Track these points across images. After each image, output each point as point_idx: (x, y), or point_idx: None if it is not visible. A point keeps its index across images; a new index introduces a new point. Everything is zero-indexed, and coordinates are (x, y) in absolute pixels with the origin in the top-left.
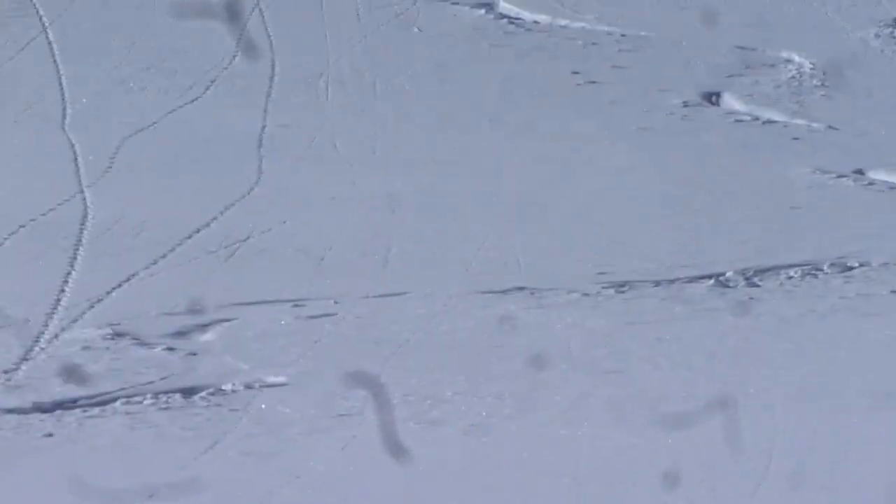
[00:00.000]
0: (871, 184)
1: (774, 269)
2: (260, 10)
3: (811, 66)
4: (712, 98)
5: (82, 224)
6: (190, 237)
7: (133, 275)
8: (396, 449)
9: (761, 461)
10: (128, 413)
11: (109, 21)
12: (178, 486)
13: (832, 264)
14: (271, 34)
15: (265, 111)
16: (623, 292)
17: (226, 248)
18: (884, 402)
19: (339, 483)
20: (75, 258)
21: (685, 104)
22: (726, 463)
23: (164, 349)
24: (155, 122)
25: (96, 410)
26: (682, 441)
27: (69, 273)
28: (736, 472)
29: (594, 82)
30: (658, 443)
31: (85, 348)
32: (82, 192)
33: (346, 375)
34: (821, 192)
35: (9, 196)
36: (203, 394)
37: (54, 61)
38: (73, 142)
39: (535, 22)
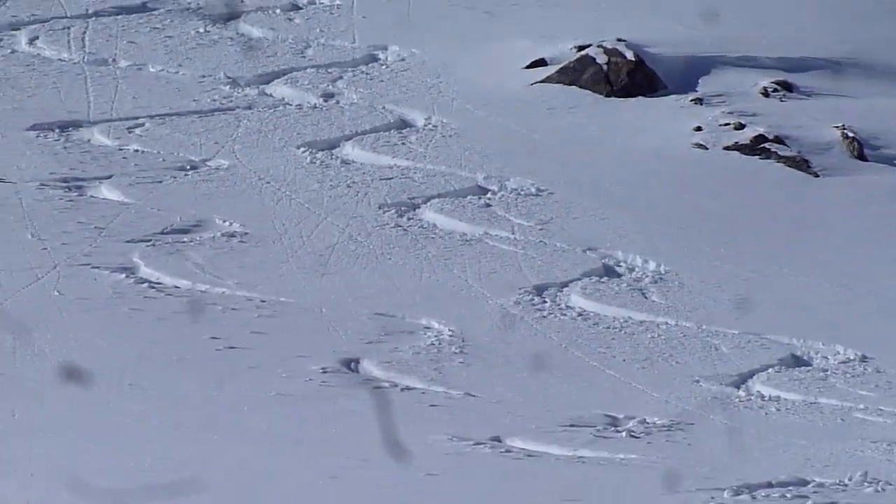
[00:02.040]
0: (507, 451)
1: None
2: None
3: (450, 332)
4: (351, 364)
5: None
6: None
7: None
8: None
9: None
10: None
11: None
12: None
13: None
14: None
15: None
16: None
17: None
18: None
19: None
20: None
21: (324, 370)
22: None
23: None
24: None
25: None
26: None
27: None
28: None
29: (233, 347)
30: None
31: None
32: None
33: None
34: (458, 461)
35: None
36: None
37: None
38: None
39: (177, 287)
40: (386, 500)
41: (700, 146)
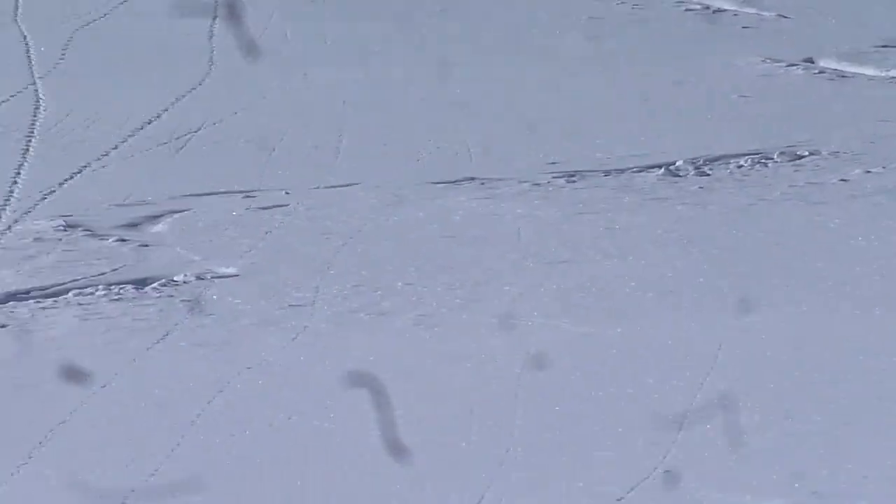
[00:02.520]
0: (820, 72)
1: (724, 158)
2: None
3: None
4: None
5: (34, 116)
6: (141, 128)
7: (85, 166)
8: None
9: (708, 348)
10: (80, 304)
11: None
12: (128, 378)
13: (782, 153)
14: None
15: (216, 2)
16: (573, 182)
17: (176, 139)
18: (834, 290)
19: (290, 373)
20: (27, 150)
21: None
22: (677, 349)
23: (115, 240)
24: (107, 14)
25: (49, 301)
26: (631, 330)
27: (21, 165)
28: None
29: None
30: (608, 332)
31: (37, 240)
32: (34, 83)
33: (297, 266)
34: (770, 81)
35: None
36: (155, 285)
37: None
38: (25, 33)
39: None
40: None
41: None
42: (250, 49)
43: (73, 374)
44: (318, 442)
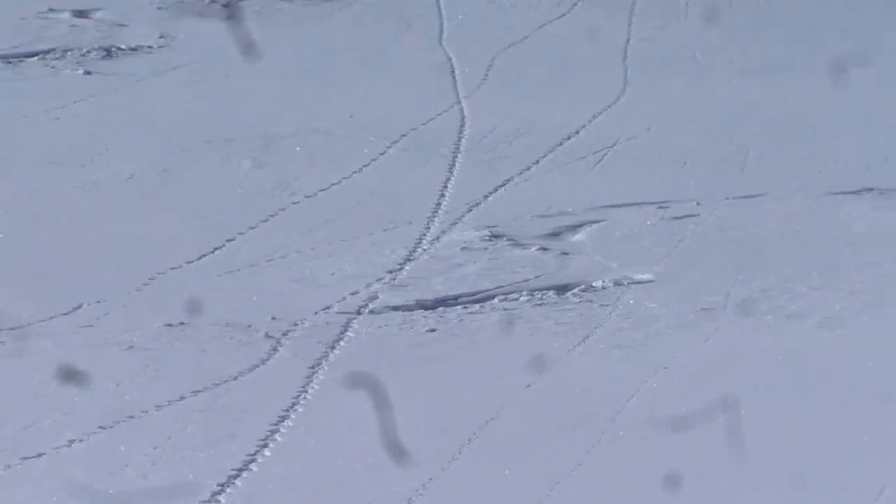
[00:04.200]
0: None
1: None
2: None
3: None
4: None
5: (460, 133)
6: (561, 144)
7: (508, 180)
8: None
9: None
10: (505, 309)
11: None
12: (551, 379)
13: None
14: None
15: (630, 24)
16: None
17: (594, 154)
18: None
19: (704, 374)
20: (454, 165)
21: None
22: None
23: (537, 249)
24: (526, 37)
25: (476, 307)
26: None
27: (448, 179)
28: None
29: None
30: None
31: (464, 249)
32: (460, 102)
33: (709, 272)
34: None
35: (392, 107)
36: (575, 290)
37: None
38: (450, 56)
39: None
40: None
41: None
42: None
43: (501, 374)
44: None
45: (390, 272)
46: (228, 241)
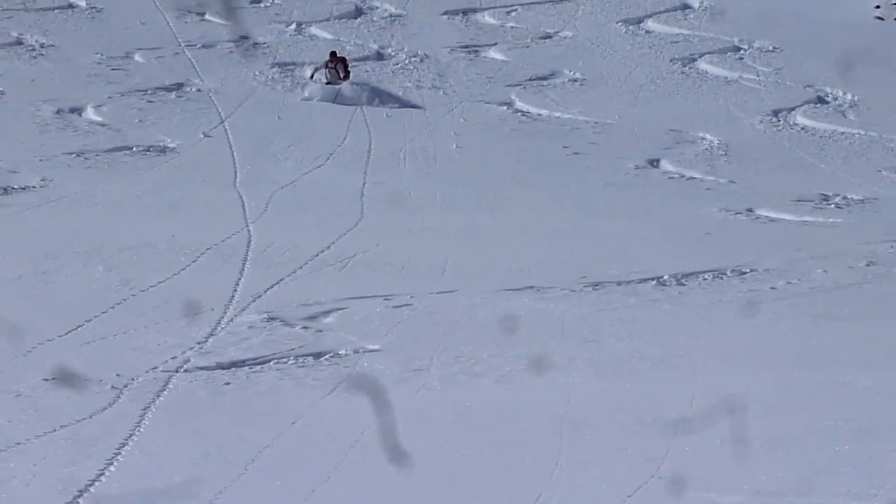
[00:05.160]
0: (757, 218)
1: (695, 273)
2: (362, 110)
3: (718, 141)
4: (654, 163)
5: (247, 247)
6: (317, 255)
7: (280, 280)
8: (452, 397)
9: (684, 402)
10: (279, 369)
11: (263, 113)
12: (312, 419)
13: (732, 270)
14: (370, 127)
15: (365, 173)
16: (597, 289)
17: (340, 262)
18: (764, 360)
19: (418, 415)
20: (243, 269)
21: (636, 167)
22: (659, 393)
23: (301, 328)
24: (294, 181)
25: (258, 367)
26: (639, 386)
27: (239, 279)
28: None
29: (577, 153)
30: (623, 389)
31: (250, 328)
32: (247, 226)
33: (419, 344)
34: (724, 224)
35: (199, 229)
36: (327, 356)
37: (228, 142)
38: (241, 195)
39: (539, 114)
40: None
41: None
42: None
43: (275, 413)
44: None
45: (199, 343)
46: (87, 321)
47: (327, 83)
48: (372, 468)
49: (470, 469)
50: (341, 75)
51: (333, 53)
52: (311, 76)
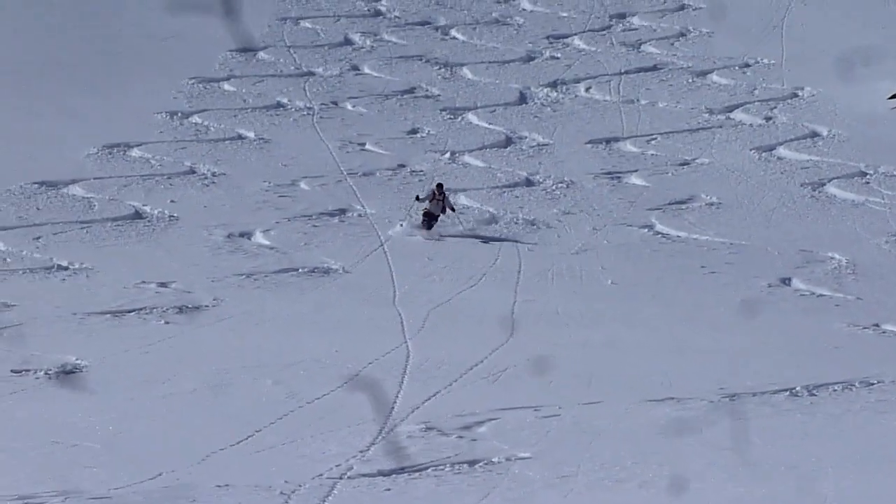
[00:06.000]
0: (883, 332)
1: (825, 384)
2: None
3: (846, 260)
4: (786, 281)
5: (406, 362)
6: (471, 368)
7: (437, 392)
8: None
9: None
10: (436, 476)
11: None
12: None
13: (860, 381)
14: (519, 249)
15: (515, 292)
16: (733, 400)
17: (492, 374)
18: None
19: None
20: (402, 382)
21: (769, 285)
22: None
23: (456, 437)
24: (449, 300)
25: (416, 474)
26: (772, 490)
27: (398, 391)
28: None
29: (713, 272)
30: (758, 493)
31: (409, 437)
32: (406, 342)
33: (567, 452)
34: (852, 338)
35: (361, 345)
36: (481, 464)
37: (388, 263)
38: (400, 312)
39: (678, 236)
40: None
41: None
42: None
43: None
44: None
45: (361, 451)
46: (256, 431)
47: (424, 213)
48: None
49: None
50: (443, 209)
51: (440, 186)
52: (417, 198)
